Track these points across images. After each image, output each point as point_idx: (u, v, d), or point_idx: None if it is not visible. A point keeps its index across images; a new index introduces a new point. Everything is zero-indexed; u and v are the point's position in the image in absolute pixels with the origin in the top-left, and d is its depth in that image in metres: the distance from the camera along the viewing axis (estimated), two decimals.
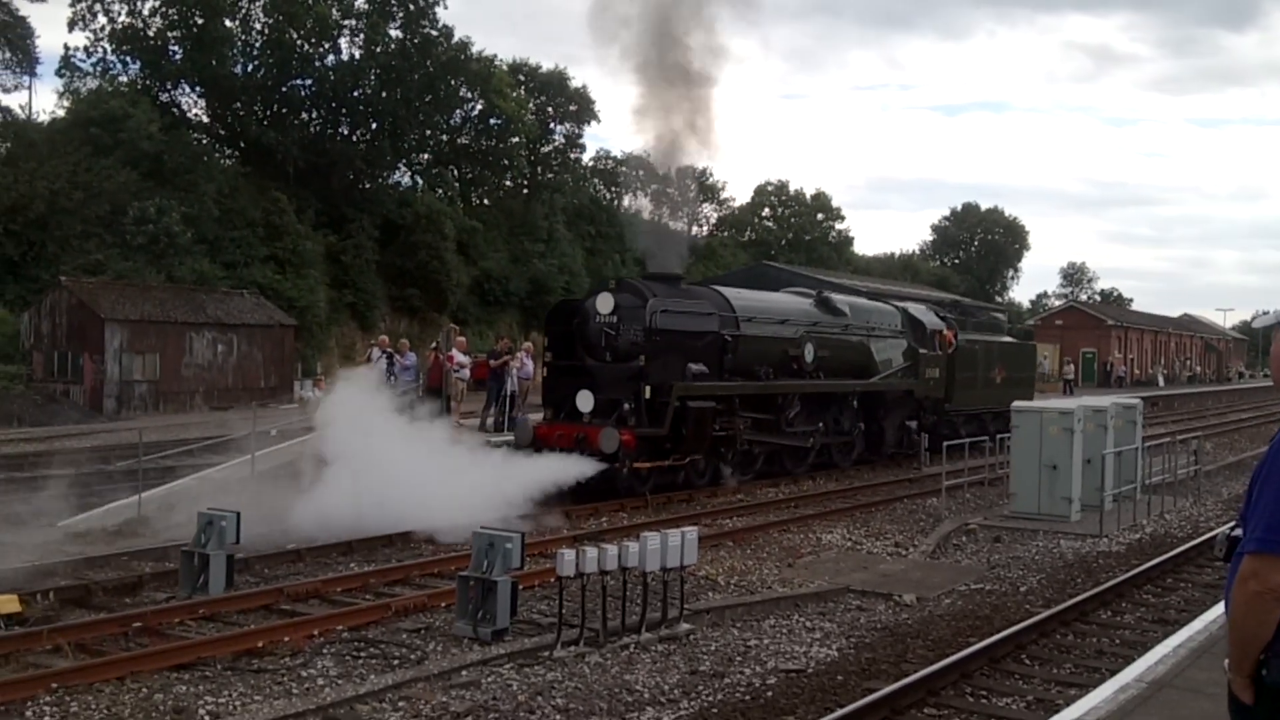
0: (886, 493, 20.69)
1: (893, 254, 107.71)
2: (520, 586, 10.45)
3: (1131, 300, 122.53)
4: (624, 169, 77.68)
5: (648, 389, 17.62)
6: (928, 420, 25.82)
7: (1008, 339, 31.33)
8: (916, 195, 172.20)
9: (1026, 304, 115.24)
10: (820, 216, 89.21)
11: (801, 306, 22.83)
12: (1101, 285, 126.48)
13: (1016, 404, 19.15)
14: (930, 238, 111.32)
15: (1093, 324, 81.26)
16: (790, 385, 21.10)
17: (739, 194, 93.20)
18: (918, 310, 26.76)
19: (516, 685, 8.77)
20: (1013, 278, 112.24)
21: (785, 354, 21.06)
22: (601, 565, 9.77)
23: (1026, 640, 10.31)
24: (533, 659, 9.43)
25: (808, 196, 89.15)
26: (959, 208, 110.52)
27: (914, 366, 25.09)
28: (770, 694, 8.81)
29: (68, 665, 8.77)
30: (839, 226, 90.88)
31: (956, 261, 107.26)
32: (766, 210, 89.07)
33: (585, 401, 18.02)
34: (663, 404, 17.61)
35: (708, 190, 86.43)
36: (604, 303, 18.37)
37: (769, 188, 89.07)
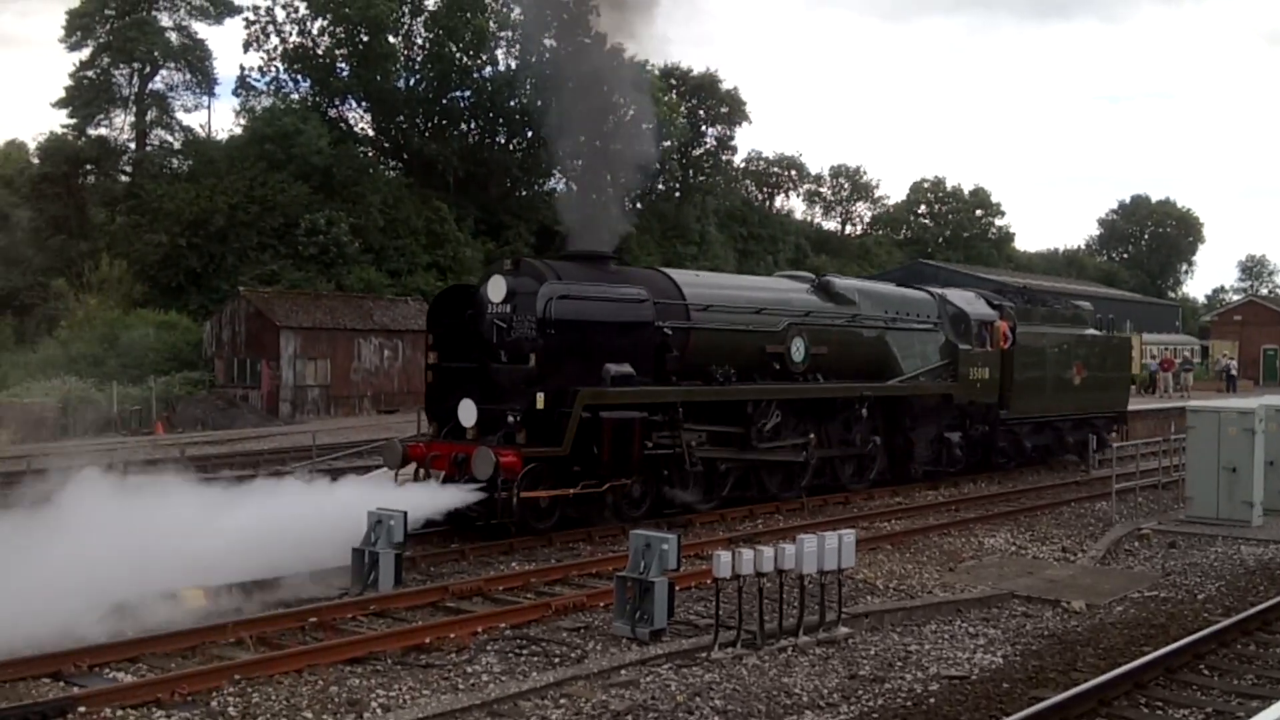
0: (1052, 496, 20.06)
1: (1056, 250, 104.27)
2: (677, 587, 10.52)
3: None
4: (776, 169, 77.52)
5: (540, 396, 14.19)
6: (976, 431, 21.37)
7: (1092, 332, 25.80)
8: (1081, 188, 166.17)
9: (1202, 299, 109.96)
10: (979, 212, 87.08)
11: (790, 294, 18.79)
12: None
13: (1192, 404, 18.29)
14: (1097, 232, 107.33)
15: (1274, 319, 76.93)
16: (759, 390, 17.13)
17: (894, 191, 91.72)
18: (960, 297, 22.21)
19: (674, 685, 8.84)
20: (1186, 272, 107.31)
21: (761, 351, 17.32)
22: (758, 567, 9.76)
23: (1205, 650, 9.88)
24: (690, 660, 9.48)
25: (966, 192, 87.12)
26: (1127, 200, 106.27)
27: (952, 365, 20.69)
28: (932, 700, 8.66)
29: (250, 657, 9.22)
30: (999, 222, 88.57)
31: (1125, 256, 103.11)
32: (923, 207, 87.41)
33: (468, 413, 14.78)
34: (563, 415, 14.12)
35: (861, 188, 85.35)
36: (495, 288, 14.96)
37: (925, 184, 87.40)
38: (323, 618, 10.44)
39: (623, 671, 9.10)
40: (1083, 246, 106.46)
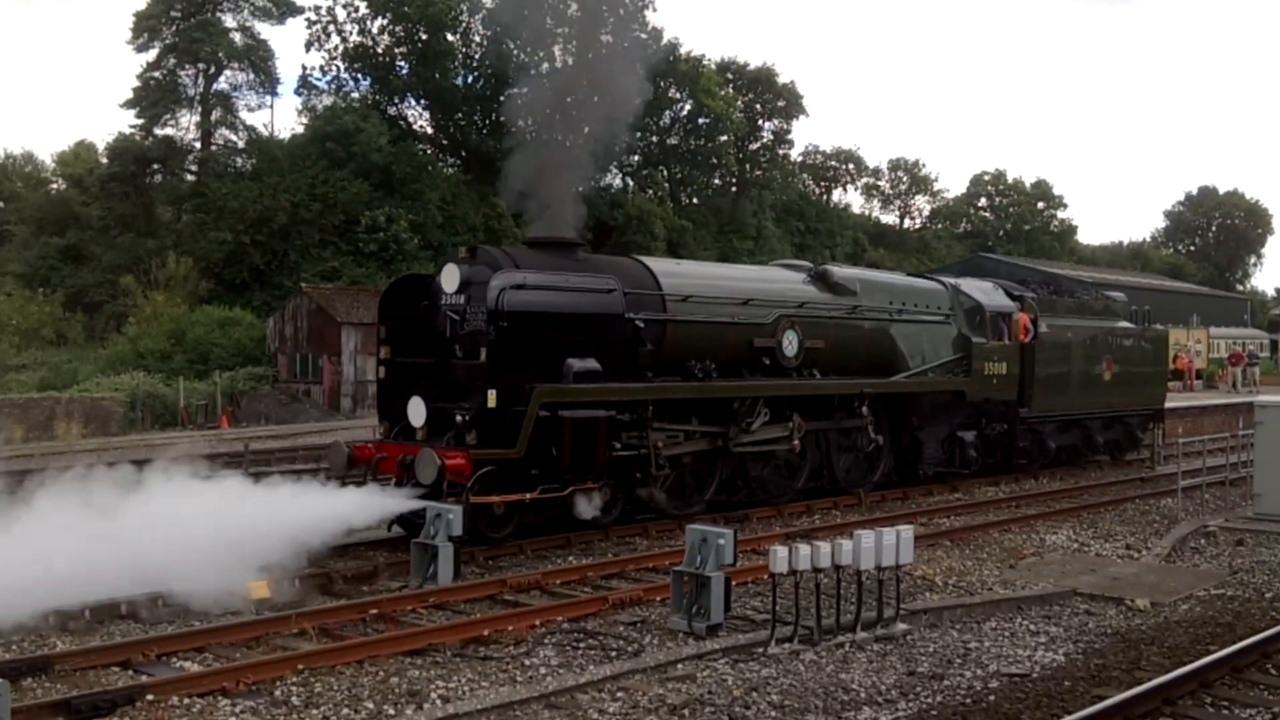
0: (1116, 493, 19.74)
1: (1121, 243, 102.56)
2: (733, 582, 10.52)
3: None
4: (833, 163, 77.06)
5: (492, 394, 13.22)
6: (993, 430, 20.12)
7: (1124, 324, 24.20)
8: (1147, 179, 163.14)
9: (1271, 292, 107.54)
10: (1041, 205, 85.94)
11: (783, 284, 17.54)
12: None
13: (1261, 399, 17.89)
14: (1163, 224, 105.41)
15: None
16: (743, 386, 16.00)
17: (953, 184, 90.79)
18: (976, 288, 20.82)
19: (731, 680, 8.84)
20: (1255, 265, 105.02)
21: (748, 345, 16.20)
22: (815, 562, 9.73)
23: (1273, 649, 9.68)
24: (747, 655, 9.48)
25: (1027, 185, 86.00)
26: (1194, 191, 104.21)
27: (965, 360, 19.44)
28: (992, 698, 8.58)
29: (312, 648, 9.37)
30: (1061, 215, 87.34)
31: (1192, 249, 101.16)
32: (983, 200, 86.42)
33: (417, 412, 13.79)
34: (518, 414, 13.16)
35: (920, 181, 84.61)
36: (449, 278, 13.93)
37: (985, 177, 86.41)
38: (383, 609, 10.58)
39: (679, 666, 9.12)
40: (1148, 239, 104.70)
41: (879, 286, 18.96)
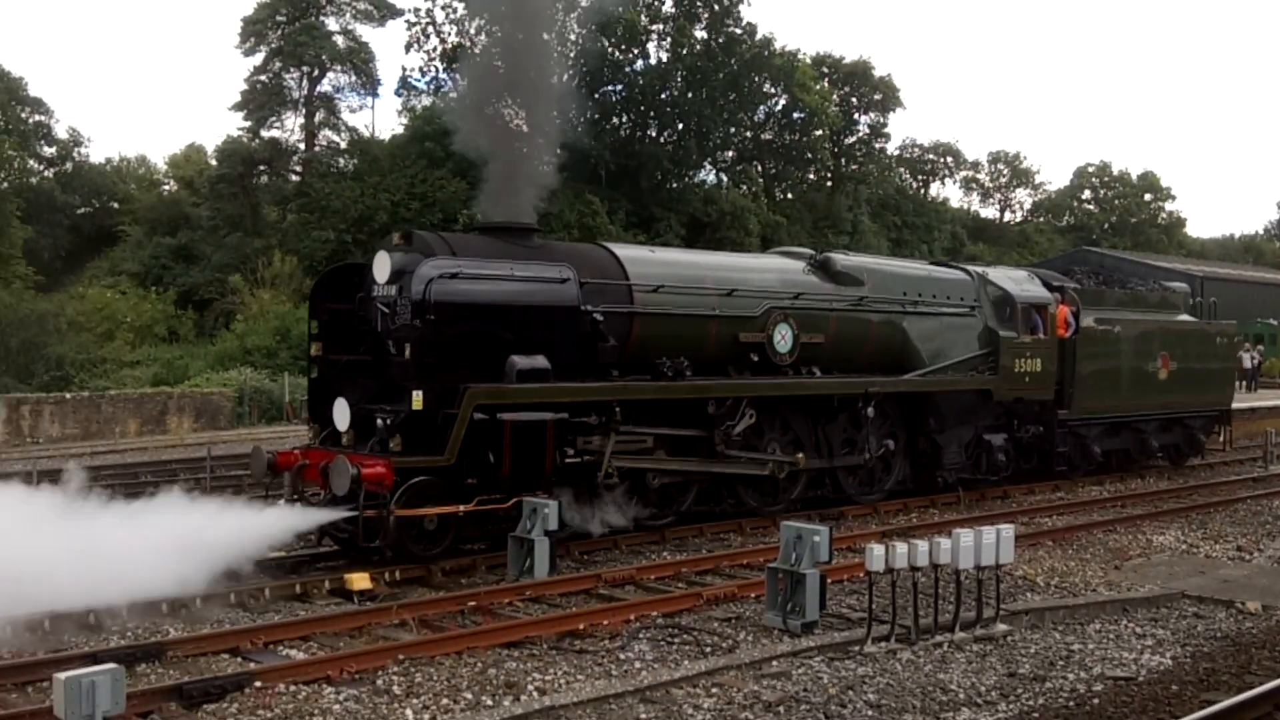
0: (1227, 493, 19.15)
1: (1232, 235, 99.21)
2: (828, 580, 10.46)
3: None
4: (931, 156, 75.94)
5: (418, 395, 12.07)
6: (1026, 433, 18.54)
7: (1184, 318, 22.16)
8: (1259, 170, 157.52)
9: None
10: (1147, 197, 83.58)
11: (776, 274, 16.08)
12: None
13: None
14: (1276, 216, 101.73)
15: None
16: (722, 385, 14.58)
17: (1056, 177, 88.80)
18: (1007, 277, 19.10)
19: (827, 678, 8.80)
20: None
21: (732, 340, 14.86)
22: (912, 561, 9.63)
23: None
24: (843, 653, 9.42)
25: (1133, 176, 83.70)
26: None
27: (991, 356, 17.86)
28: (1096, 701, 8.41)
29: (413, 639, 9.56)
30: (1169, 208, 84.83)
31: None
32: (1087, 193, 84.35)
33: (341, 415, 12.62)
34: (449, 417, 11.94)
35: (1020, 174, 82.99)
36: (380, 266, 12.65)
37: (1089, 169, 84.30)
38: (481, 602, 10.75)
39: (774, 663, 9.11)
40: (1261, 232, 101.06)
41: (890, 276, 17.49)
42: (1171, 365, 20.79)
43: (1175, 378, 20.84)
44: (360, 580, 11.25)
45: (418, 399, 12.00)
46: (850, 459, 16.24)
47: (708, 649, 9.55)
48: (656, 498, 14.16)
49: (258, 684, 8.25)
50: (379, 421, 12.24)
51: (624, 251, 14.64)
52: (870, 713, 8.13)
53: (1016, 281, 18.98)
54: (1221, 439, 22.76)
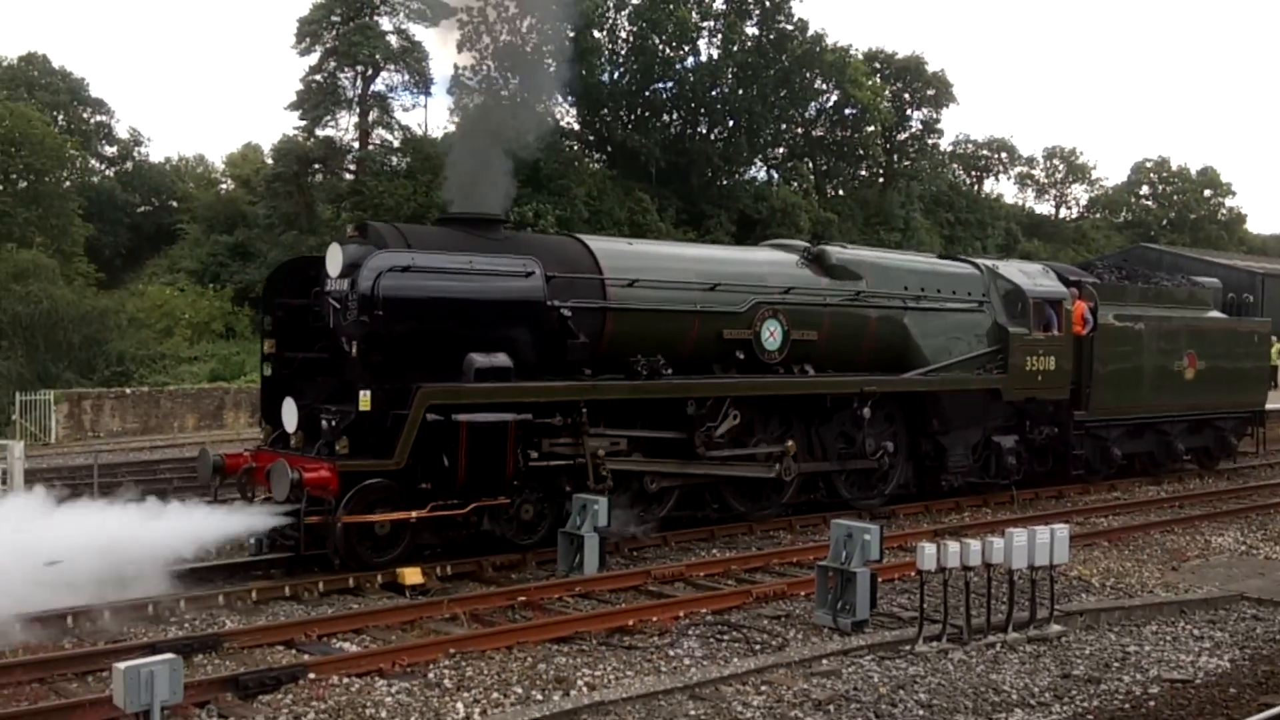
0: None
1: None
2: (879, 579, 10.40)
3: None
4: (985, 152, 75.12)
5: (365, 395, 11.56)
6: (1039, 434, 17.68)
7: (1215, 314, 21.12)
8: None
9: None
10: (1207, 193, 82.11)
11: (765, 267, 15.32)
12: None
13: None
14: None
15: None
16: (701, 385, 13.85)
17: (1113, 173, 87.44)
18: (1018, 270, 18.13)
19: (877, 677, 8.75)
20: None
21: (716, 337, 14.20)
22: (964, 560, 9.54)
23: None
24: (894, 652, 9.37)
25: (1193, 172, 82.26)
26: None
27: (1001, 354, 17.07)
28: (1152, 703, 8.30)
29: (463, 633, 9.65)
30: (1229, 203, 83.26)
31: None
32: (1145, 188, 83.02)
33: (290, 416, 12.25)
34: (400, 418, 11.40)
35: (1076, 169, 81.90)
36: (332, 259, 12.13)
37: (1147, 164, 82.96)
38: (531, 597, 10.81)
39: (824, 661, 9.07)
40: None
41: (891, 269, 16.59)
42: (1199, 364, 19.98)
43: (1203, 377, 20.01)
44: (412, 574, 11.36)
45: (365, 399, 11.53)
46: (847, 463, 15.60)
47: (757, 646, 9.54)
48: (630, 502, 13.39)
49: (311, 676, 8.36)
50: (324, 423, 11.81)
51: (598, 244, 14.09)
52: (921, 712, 8.08)
53: (1029, 275, 18.16)
54: (1255, 441, 21.97)
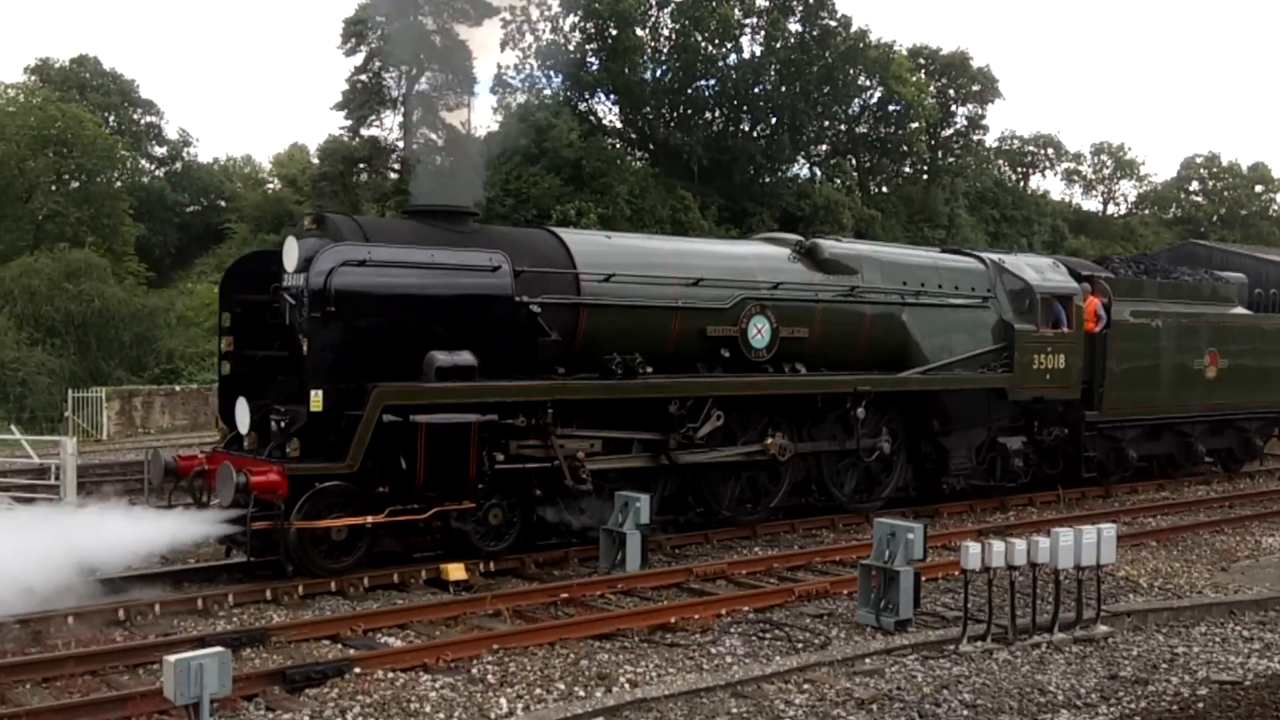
0: None
1: None
2: (923, 578, 10.34)
3: None
4: (1031, 148, 74.38)
5: (317, 395, 11.02)
6: (1048, 435, 17.10)
7: (1238, 311, 20.36)
8: None
9: None
10: (1259, 189, 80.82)
11: (754, 261, 14.69)
12: None
13: None
14: None
15: None
16: (679, 384, 13.27)
17: (1161, 169, 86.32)
18: (1026, 265, 17.38)
19: (921, 677, 8.71)
20: None
21: (699, 335, 13.64)
22: (1009, 560, 9.48)
23: None
24: (937, 652, 9.32)
25: (1243, 168, 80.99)
26: None
27: (1006, 351, 16.40)
28: (1201, 705, 8.21)
29: (507, 629, 9.71)
30: None
31: None
32: (1194, 184, 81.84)
33: (242, 417, 11.79)
34: (354, 419, 10.99)
35: (1125, 165, 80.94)
36: (289, 253, 11.63)
37: (1197, 160, 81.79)
38: (573, 594, 10.86)
39: (867, 660, 9.04)
40: None
41: (889, 264, 15.88)
42: (1221, 362, 19.27)
43: (1226, 376, 19.32)
44: (456, 570, 11.44)
45: (316, 399, 11.00)
46: (843, 464, 15.16)
47: (799, 645, 9.52)
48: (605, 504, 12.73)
49: (357, 670, 8.45)
50: (273, 424, 11.32)
51: (573, 237, 13.55)
52: (965, 712, 8.03)
53: (1038, 270, 17.32)
54: None
